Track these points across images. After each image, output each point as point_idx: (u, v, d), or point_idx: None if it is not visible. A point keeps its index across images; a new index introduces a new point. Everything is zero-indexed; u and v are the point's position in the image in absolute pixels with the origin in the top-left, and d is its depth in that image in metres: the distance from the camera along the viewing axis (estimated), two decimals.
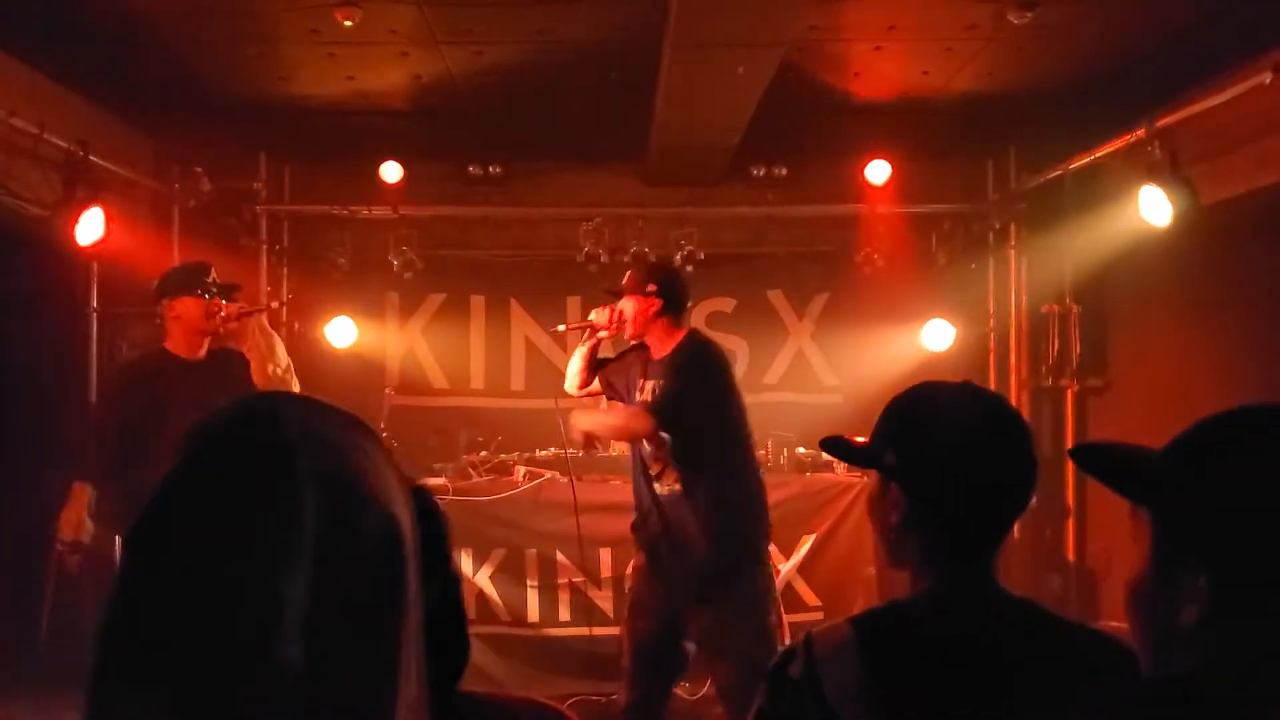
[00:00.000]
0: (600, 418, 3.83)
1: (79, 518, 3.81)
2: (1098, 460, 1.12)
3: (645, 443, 3.66)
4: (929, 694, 1.33)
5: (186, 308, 3.97)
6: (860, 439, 1.55)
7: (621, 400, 3.85)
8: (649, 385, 3.70)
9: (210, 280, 4.00)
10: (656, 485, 3.68)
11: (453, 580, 1.37)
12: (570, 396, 4.18)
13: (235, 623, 0.71)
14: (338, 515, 0.75)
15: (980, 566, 1.44)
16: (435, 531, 1.37)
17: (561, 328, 4.46)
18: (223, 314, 3.99)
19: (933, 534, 1.44)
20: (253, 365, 4.02)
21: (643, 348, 3.82)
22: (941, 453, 1.44)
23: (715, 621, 3.49)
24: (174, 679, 0.70)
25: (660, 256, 4.05)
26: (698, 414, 3.50)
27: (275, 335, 4.15)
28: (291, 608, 0.71)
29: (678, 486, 3.60)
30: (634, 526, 3.85)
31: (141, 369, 4.03)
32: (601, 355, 4.04)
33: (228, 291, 4.07)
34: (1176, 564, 0.98)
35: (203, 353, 4.03)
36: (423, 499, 1.39)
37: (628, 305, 3.73)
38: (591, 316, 3.95)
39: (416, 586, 0.82)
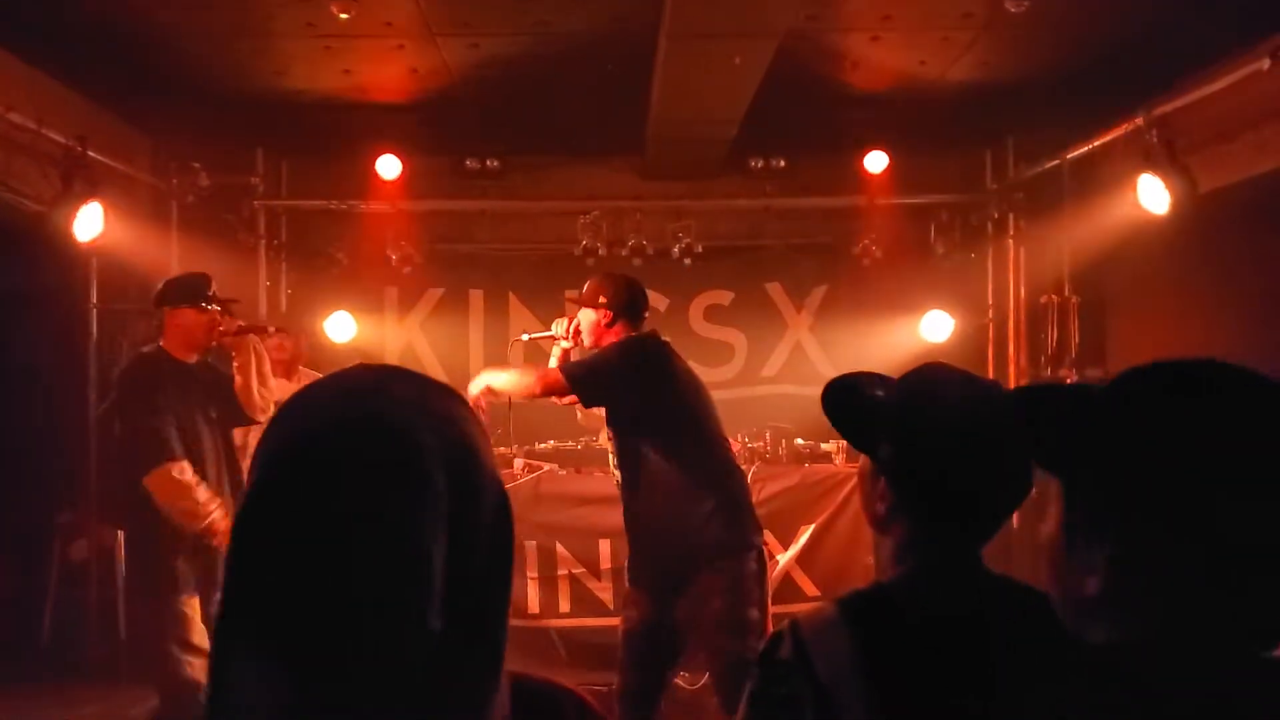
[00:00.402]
0: (497, 373, 3.79)
1: (207, 496, 3.77)
2: (1031, 409, 1.08)
3: (577, 411, 3.76)
4: (920, 669, 1.33)
5: (186, 318, 3.99)
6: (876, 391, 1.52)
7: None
8: None
9: (211, 293, 4.01)
10: (613, 471, 3.72)
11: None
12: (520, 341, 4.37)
13: (372, 601, 0.71)
14: (465, 488, 0.76)
15: (968, 549, 1.43)
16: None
17: (525, 337, 4.48)
18: (221, 328, 4.02)
19: (922, 524, 1.43)
20: (238, 381, 4.04)
21: None
22: (933, 446, 1.42)
23: (686, 613, 3.49)
24: (291, 655, 0.71)
25: (612, 271, 4.05)
26: (615, 390, 3.52)
27: (266, 358, 4.18)
28: (439, 578, 0.72)
29: (618, 473, 3.64)
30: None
31: (156, 365, 3.99)
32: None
33: (227, 304, 4.09)
34: (1080, 532, 0.96)
35: (194, 359, 4.05)
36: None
37: (583, 317, 3.76)
38: (553, 328, 3.99)
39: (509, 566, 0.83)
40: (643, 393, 3.52)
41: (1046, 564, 1.02)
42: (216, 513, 3.75)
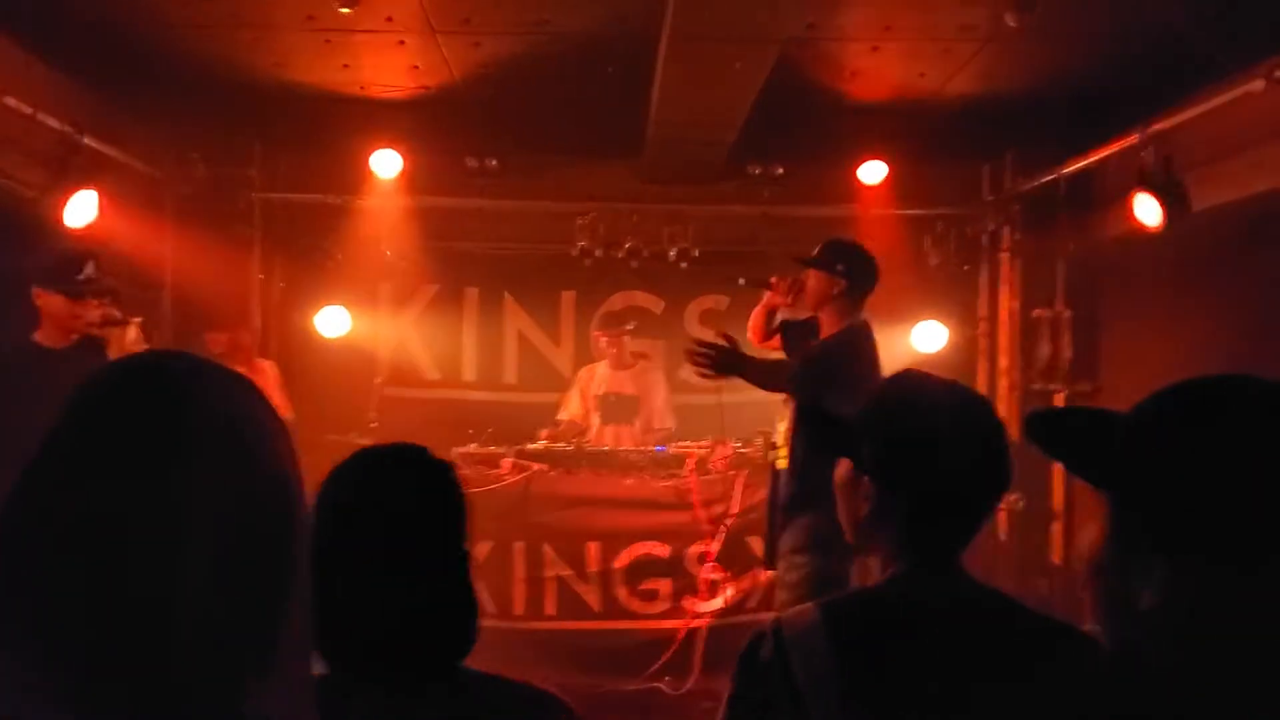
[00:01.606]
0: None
1: None
2: (1054, 434, 1.10)
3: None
4: (896, 676, 1.33)
5: (50, 302, 3.73)
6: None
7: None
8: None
9: (82, 279, 3.71)
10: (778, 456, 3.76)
11: (462, 553, 1.38)
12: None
13: (120, 588, 0.68)
14: (228, 477, 0.72)
15: (949, 556, 1.44)
16: (456, 507, 1.39)
17: (741, 282, 4.35)
18: (86, 319, 3.74)
19: (903, 526, 1.44)
20: None
21: (813, 323, 3.76)
22: (913, 448, 1.44)
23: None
24: (52, 648, 0.67)
25: (850, 238, 3.91)
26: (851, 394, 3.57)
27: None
28: (174, 578, 0.68)
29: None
30: None
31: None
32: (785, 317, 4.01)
33: (102, 292, 3.78)
34: (1133, 545, 0.96)
35: (66, 344, 3.77)
36: (447, 474, 1.41)
37: (812, 279, 3.65)
38: (773, 280, 3.89)
39: (306, 561, 0.78)
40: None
41: (1089, 574, 1.02)
42: None
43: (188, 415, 0.73)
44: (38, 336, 3.80)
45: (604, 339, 6.04)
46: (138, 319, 4.00)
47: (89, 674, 0.67)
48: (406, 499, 1.36)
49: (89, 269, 3.72)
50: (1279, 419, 0.96)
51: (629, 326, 6.08)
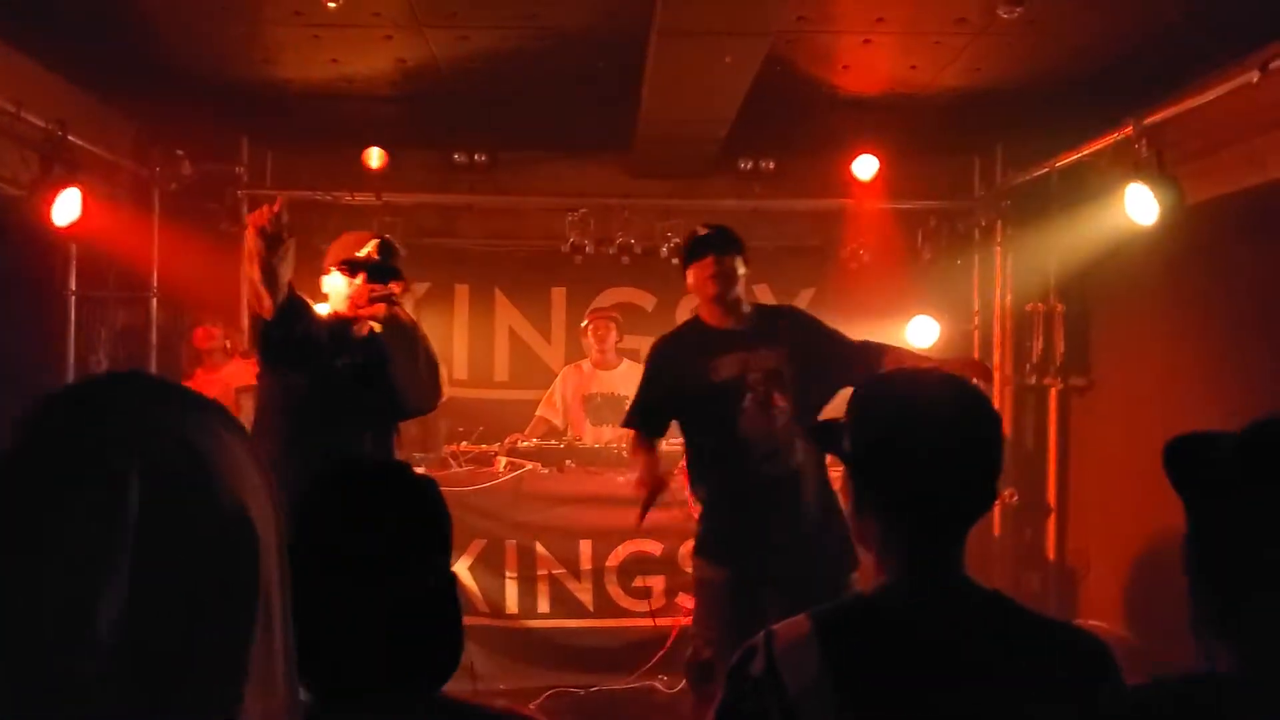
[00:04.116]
0: None
1: None
2: (1178, 457, 1.15)
3: None
4: (890, 687, 1.29)
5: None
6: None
7: None
8: None
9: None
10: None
11: (446, 577, 1.34)
12: None
13: (30, 628, 0.65)
14: (170, 506, 0.69)
15: (941, 558, 1.39)
16: (438, 529, 1.35)
17: None
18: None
19: (889, 521, 1.41)
20: None
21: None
22: (890, 439, 1.41)
23: None
24: None
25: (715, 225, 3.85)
26: None
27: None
28: (95, 613, 0.65)
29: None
30: None
31: None
32: None
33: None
34: (1201, 566, 1.01)
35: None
36: (429, 489, 1.37)
37: (740, 266, 3.63)
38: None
39: (279, 583, 0.75)
40: None
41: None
42: None
43: (118, 452, 0.70)
44: None
45: (590, 324, 6.01)
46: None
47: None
48: (387, 523, 1.32)
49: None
50: None
51: (614, 312, 6.09)
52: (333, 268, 3.52)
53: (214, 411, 0.77)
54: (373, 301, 3.46)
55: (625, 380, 5.96)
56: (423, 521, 1.34)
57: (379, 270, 3.51)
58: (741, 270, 3.57)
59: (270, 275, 3.15)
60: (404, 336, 3.51)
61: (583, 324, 6.15)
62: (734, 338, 3.54)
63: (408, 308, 3.68)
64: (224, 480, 0.73)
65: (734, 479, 3.47)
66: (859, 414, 1.45)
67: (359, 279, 3.48)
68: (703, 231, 3.63)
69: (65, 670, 0.65)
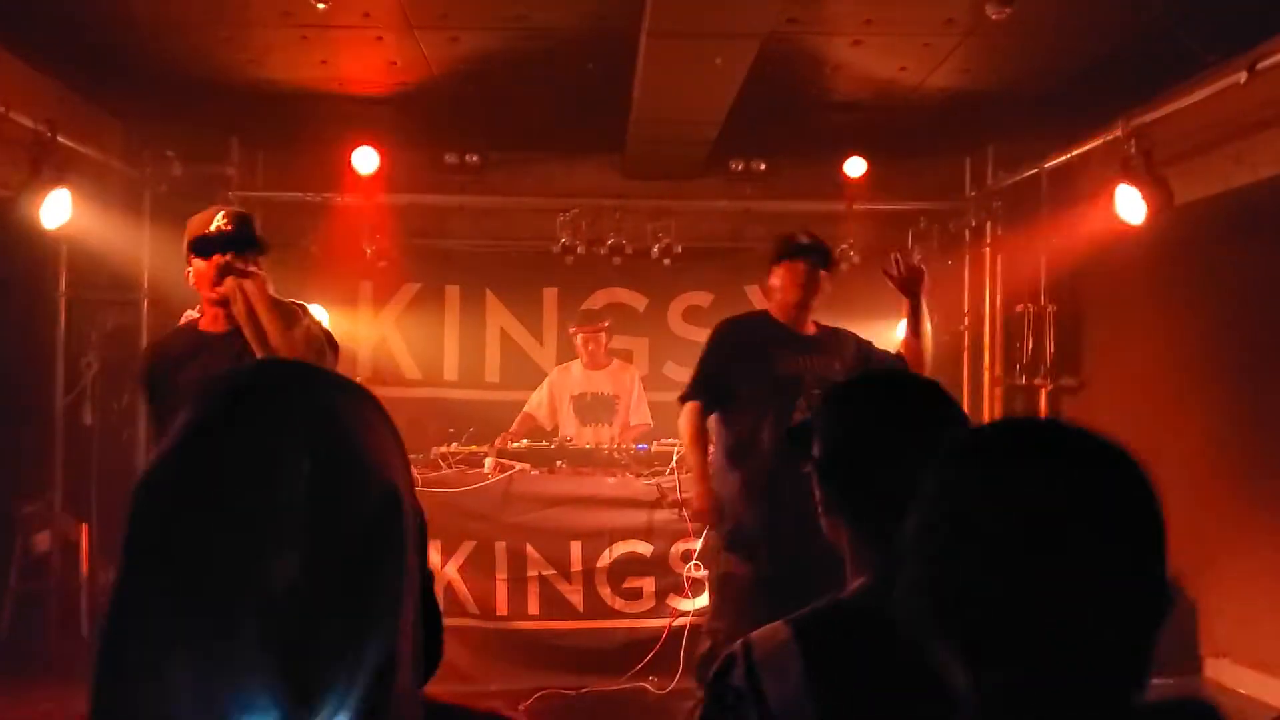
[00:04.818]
0: None
1: None
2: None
3: None
4: (869, 691, 1.29)
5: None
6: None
7: None
8: None
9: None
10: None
11: (427, 577, 1.34)
12: None
13: (217, 596, 0.70)
14: (336, 487, 0.75)
15: None
16: (417, 529, 1.35)
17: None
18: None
19: (860, 522, 1.41)
20: None
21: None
22: (858, 440, 1.42)
23: None
24: (167, 652, 0.70)
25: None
26: None
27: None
28: (276, 582, 0.71)
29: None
30: None
31: None
32: None
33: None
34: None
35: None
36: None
37: (827, 282, 3.85)
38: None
39: (417, 565, 0.82)
40: None
41: None
42: None
43: (293, 434, 0.77)
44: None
45: (580, 335, 5.99)
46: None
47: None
48: None
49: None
50: None
51: (605, 324, 6.04)
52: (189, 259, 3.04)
53: (355, 391, 0.84)
54: (221, 277, 2.97)
55: (614, 379, 5.96)
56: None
57: (234, 241, 3.04)
58: (827, 288, 3.80)
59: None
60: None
61: (571, 331, 6.14)
62: (801, 340, 3.75)
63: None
64: (372, 455, 0.80)
65: (773, 474, 3.51)
66: (827, 416, 1.46)
67: (215, 260, 3.00)
68: (805, 239, 3.82)
69: (261, 640, 0.70)
